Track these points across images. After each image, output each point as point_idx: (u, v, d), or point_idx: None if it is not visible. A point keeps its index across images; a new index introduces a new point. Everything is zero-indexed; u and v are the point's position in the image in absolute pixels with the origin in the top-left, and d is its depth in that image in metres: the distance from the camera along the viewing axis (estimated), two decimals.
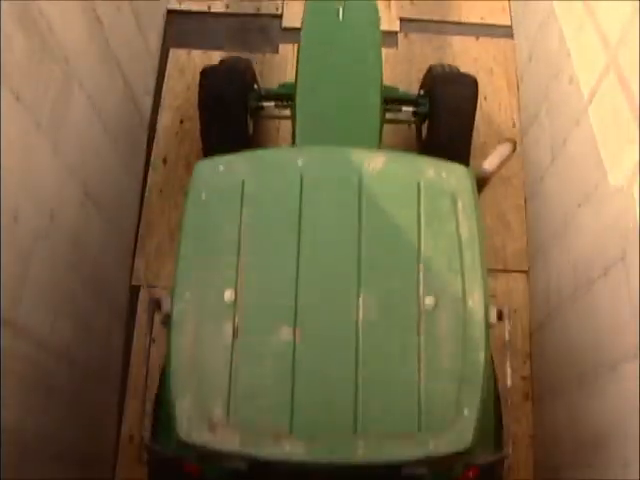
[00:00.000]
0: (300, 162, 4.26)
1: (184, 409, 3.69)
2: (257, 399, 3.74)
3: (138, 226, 7.13)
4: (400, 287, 3.94)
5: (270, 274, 4.02)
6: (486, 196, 6.99)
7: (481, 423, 3.73)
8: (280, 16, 8.45)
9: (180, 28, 8.43)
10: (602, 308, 5.09)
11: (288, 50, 8.07)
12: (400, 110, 6.72)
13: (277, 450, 3.63)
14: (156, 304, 4.14)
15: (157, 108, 7.86)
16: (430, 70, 6.91)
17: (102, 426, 6.21)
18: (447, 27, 8.47)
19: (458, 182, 4.25)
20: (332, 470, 3.92)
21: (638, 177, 4.55)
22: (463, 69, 7.40)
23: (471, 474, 4.23)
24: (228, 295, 3.87)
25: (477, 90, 6.61)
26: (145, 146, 7.56)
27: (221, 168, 4.29)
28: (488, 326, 3.91)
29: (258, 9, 8.51)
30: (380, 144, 5.68)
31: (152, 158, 7.52)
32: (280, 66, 8.09)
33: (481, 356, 3.78)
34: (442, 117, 6.55)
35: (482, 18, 8.53)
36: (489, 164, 5.45)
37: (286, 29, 8.30)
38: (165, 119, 7.79)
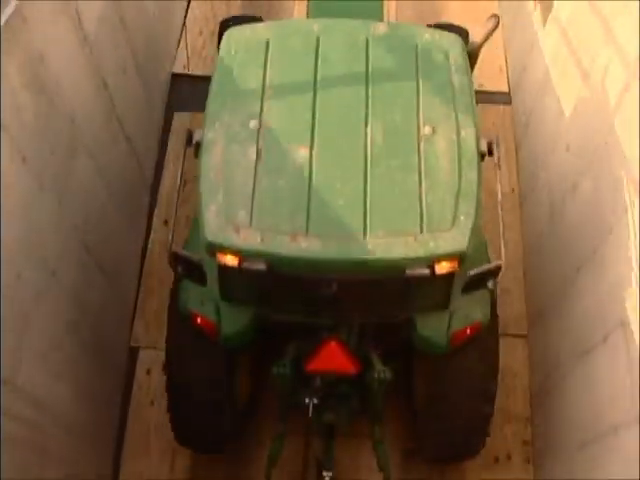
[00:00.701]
0: (316, 28, 5.19)
1: (212, 216, 4.38)
2: (277, 205, 4.42)
3: (139, 286, 7.13)
4: (402, 118, 4.72)
5: (290, 108, 4.75)
6: None
7: (476, 233, 4.42)
8: None
9: (184, 92, 8.58)
10: (601, 374, 5.08)
11: None
12: None
13: (294, 247, 4.29)
14: (188, 135, 4.87)
15: (160, 170, 7.96)
16: None
17: None
18: None
19: (450, 44, 5.20)
20: (339, 291, 4.54)
21: (638, 242, 4.59)
22: None
23: (468, 331, 5.06)
24: (253, 124, 4.64)
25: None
26: (147, 207, 7.64)
27: (248, 32, 5.21)
28: (479, 153, 4.68)
29: None
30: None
31: (154, 219, 7.57)
32: None
33: (474, 174, 4.51)
34: None
35: (481, 85, 8.68)
36: (477, 36, 5.95)
37: None
38: (168, 181, 7.86)
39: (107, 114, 6.22)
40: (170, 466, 6.43)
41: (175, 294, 5.33)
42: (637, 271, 4.53)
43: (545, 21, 7.29)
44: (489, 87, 8.67)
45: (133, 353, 6.84)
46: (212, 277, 4.81)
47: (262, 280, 4.61)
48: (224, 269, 4.57)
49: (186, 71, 8.79)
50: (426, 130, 4.69)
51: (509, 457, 6.52)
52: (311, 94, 4.81)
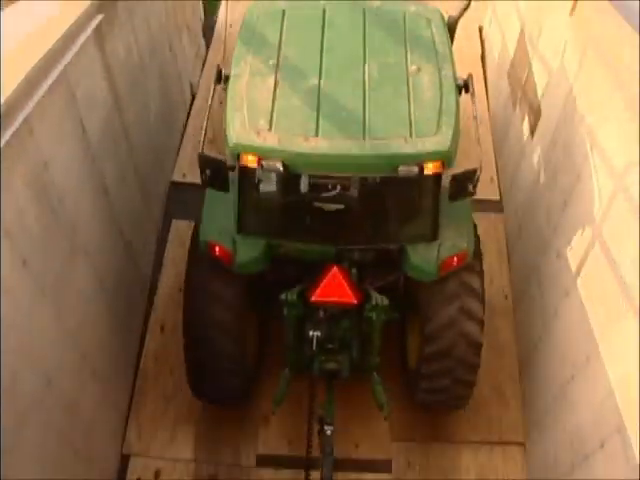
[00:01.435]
0: (322, 2, 6.23)
1: (237, 125, 5.24)
2: (292, 117, 5.32)
3: (132, 392, 7.07)
4: (394, 61, 5.76)
5: (302, 53, 5.78)
6: (481, 366, 7.06)
7: (456, 141, 5.29)
8: None
9: (182, 200, 8.74)
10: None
11: None
12: None
13: (306, 145, 5.15)
14: (218, 72, 5.91)
15: (157, 276, 8.04)
16: None
17: None
18: None
19: (432, 13, 6.28)
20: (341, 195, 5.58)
21: (638, 348, 4.62)
22: None
23: (456, 259, 5.81)
24: (272, 62, 5.66)
25: None
26: (144, 313, 7.67)
27: (268, 4, 6.27)
28: (457, 86, 5.69)
29: None
30: None
31: (150, 324, 7.59)
32: None
33: (453, 98, 5.50)
34: None
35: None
36: (453, 11, 6.77)
37: None
38: (164, 287, 7.93)
39: (107, 220, 6.35)
40: None
41: (195, 235, 6.12)
42: (637, 377, 4.55)
43: (533, 131, 7.56)
44: (481, 196, 8.78)
45: (124, 460, 6.71)
46: (234, 192, 5.68)
47: (275, 196, 5.88)
48: (245, 173, 5.47)
49: (185, 179, 9.00)
50: (413, 68, 5.71)
51: None
52: (319, 45, 5.83)
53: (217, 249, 5.83)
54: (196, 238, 6.08)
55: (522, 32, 8.55)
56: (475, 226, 6.27)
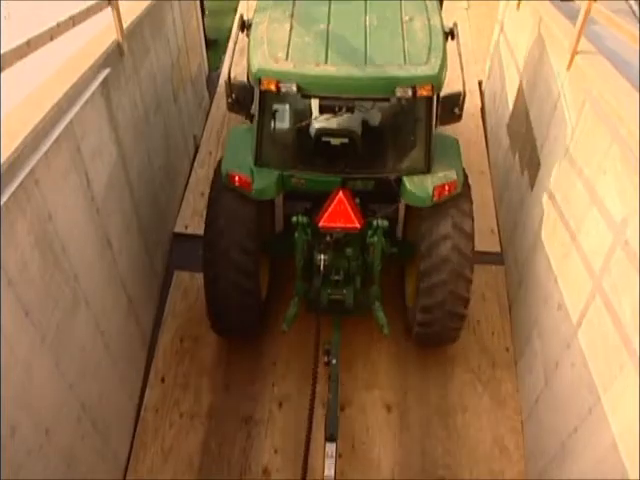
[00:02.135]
0: None
1: (258, 56, 6.28)
2: (305, 49, 6.35)
3: (132, 445, 7.02)
4: (390, 13, 6.82)
5: (313, 7, 6.84)
6: (482, 418, 6.99)
7: (443, 70, 6.24)
8: None
9: (185, 251, 8.84)
10: None
11: None
12: None
13: (317, 69, 6.15)
14: (241, 20, 7.18)
15: (158, 326, 8.04)
16: None
17: None
18: None
19: None
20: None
21: (637, 398, 4.60)
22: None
23: (447, 187, 6.74)
24: (288, 12, 6.76)
25: None
26: (144, 364, 7.65)
27: None
28: (444, 32, 6.69)
29: None
30: None
31: (150, 376, 7.57)
32: None
33: (441, 39, 6.50)
34: None
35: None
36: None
37: None
38: (166, 338, 7.94)
39: (109, 271, 6.38)
40: None
41: (218, 171, 7.15)
42: (637, 428, 4.52)
43: (533, 183, 7.63)
44: (482, 248, 8.91)
45: None
46: (254, 128, 6.77)
47: (288, 128, 7.24)
48: (265, 98, 6.52)
49: (187, 231, 9.07)
50: (406, 18, 6.74)
51: None
52: (327, 4, 6.91)
53: (237, 178, 6.83)
54: (219, 174, 7.10)
55: (520, 85, 8.70)
56: (464, 170, 7.13)
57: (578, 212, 6.07)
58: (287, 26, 6.60)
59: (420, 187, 6.73)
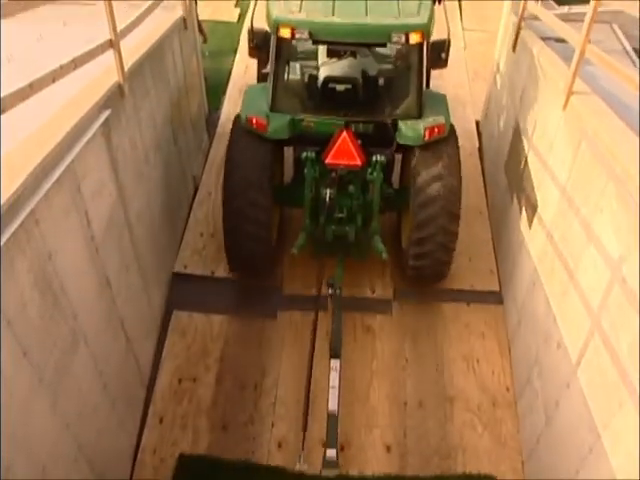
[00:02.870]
0: None
1: (276, 9, 7.40)
2: (315, 5, 7.48)
3: None
4: (386, 9, 7.56)
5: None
6: (482, 459, 6.94)
7: (431, 21, 7.34)
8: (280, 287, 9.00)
9: (184, 291, 8.84)
10: None
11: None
12: None
13: (325, 19, 7.32)
14: None
15: (157, 366, 8.00)
16: None
17: None
18: (439, 294, 8.92)
19: None
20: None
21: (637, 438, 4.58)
22: (454, 334, 8.18)
23: (436, 129, 7.80)
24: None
25: None
26: (142, 404, 7.60)
27: None
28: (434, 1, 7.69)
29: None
30: None
31: (148, 416, 7.51)
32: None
33: (429, 1, 7.55)
34: None
35: (472, 286, 8.96)
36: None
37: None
38: (164, 378, 7.90)
39: (108, 311, 6.38)
40: None
41: (237, 121, 8.23)
42: (637, 465, 4.49)
43: (531, 222, 7.67)
44: (481, 287, 8.94)
45: None
46: (270, 75, 7.89)
47: (300, 73, 8.60)
48: (281, 42, 7.55)
49: (186, 270, 9.08)
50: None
51: None
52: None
53: (255, 120, 7.87)
54: (238, 122, 8.17)
55: (517, 125, 8.79)
56: (453, 126, 8.16)
57: (576, 250, 6.10)
58: (296, 6, 7.56)
59: (413, 128, 7.81)
